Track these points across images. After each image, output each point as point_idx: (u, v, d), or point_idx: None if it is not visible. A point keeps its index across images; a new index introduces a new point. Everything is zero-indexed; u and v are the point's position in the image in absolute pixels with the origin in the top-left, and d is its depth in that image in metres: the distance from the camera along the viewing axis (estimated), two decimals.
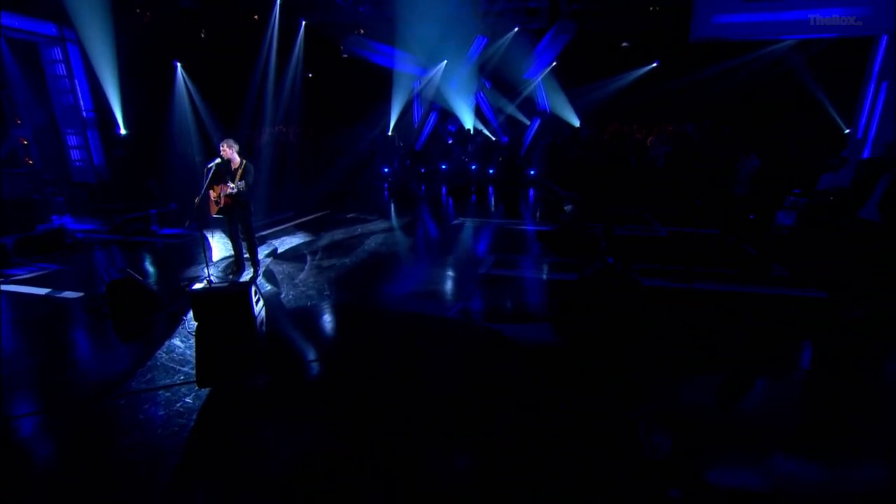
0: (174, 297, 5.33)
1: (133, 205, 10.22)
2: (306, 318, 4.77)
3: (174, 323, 4.67)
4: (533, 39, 14.30)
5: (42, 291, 5.62)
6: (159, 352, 4.07)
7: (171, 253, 7.44)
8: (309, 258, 6.78)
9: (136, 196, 10.90)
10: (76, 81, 11.21)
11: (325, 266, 6.36)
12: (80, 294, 5.48)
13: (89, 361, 3.99)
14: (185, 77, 13.28)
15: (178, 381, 3.56)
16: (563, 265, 6.21)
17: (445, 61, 15.01)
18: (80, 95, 11.30)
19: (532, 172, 14.23)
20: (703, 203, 10.10)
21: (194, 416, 3.12)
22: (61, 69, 11.12)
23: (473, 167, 14.32)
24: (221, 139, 5.51)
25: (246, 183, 5.43)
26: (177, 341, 4.28)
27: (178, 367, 3.79)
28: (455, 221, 9.10)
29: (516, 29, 14.07)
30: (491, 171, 14.50)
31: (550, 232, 8.13)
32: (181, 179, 11.21)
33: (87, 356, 4.10)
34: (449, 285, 5.65)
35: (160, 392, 3.43)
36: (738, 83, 12.18)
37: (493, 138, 15.72)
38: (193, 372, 3.71)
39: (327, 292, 5.39)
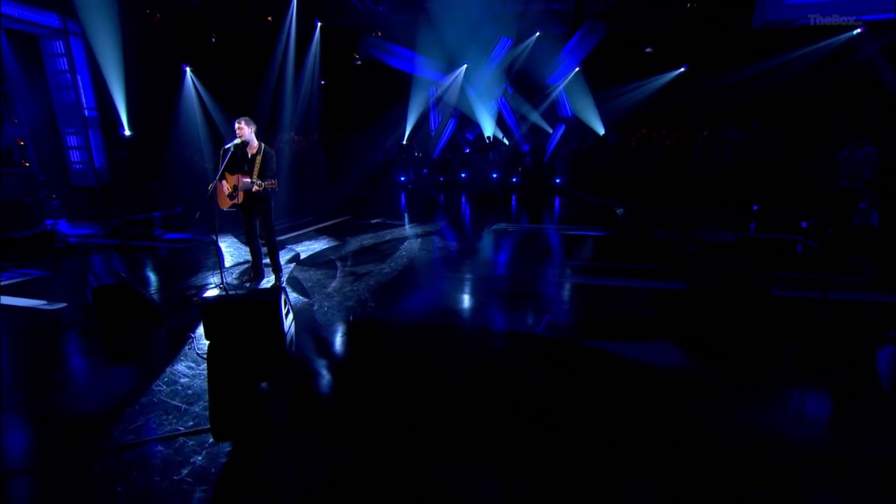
0: (179, 309, 4.26)
1: (136, 210, 9.27)
2: (350, 335, 3.68)
3: (178, 342, 3.58)
4: (559, 42, 13.57)
5: (15, 301, 4.56)
6: (158, 382, 2.97)
7: (175, 259, 6.41)
8: (339, 264, 5.71)
9: (139, 201, 9.95)
10: (78, 77, 10.35)
11: (360, 273, 5.28)
12: (63, 305, 4.43)
13: (57, 398, 2.87)
14: (195, 80, 12.54)
15: (183, 430, 2.44)
16: (642, 272, 5.15)
17: (466, 65, 14.26)
18: (82, 92, 10.44)
19: (558, 180, 13.52)
20: (761, 207, 9.32)
21: (209, 492, 2.00)
22: (63, 64, 10.29)
23: (495, 175, 13.56)
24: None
25: (270, 177, 4.42)
26: (181, 367, 3.18)
27: (183, 406, 2.68)
28: (493, 227, 8.10)
29: (538, 33, 13.40)
30: (515, 180, 13.76)
31: (609, 237, 7.20)
32: (188, 184, 10.32)
33: (54, 390, 2.98)
34: (519, 296, 4.55)
35: (157, 446, 2.31)
36: (786, 80, 11.25)
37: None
38: (206, 414, 2.61)
39: (372, 304, 4.29)
